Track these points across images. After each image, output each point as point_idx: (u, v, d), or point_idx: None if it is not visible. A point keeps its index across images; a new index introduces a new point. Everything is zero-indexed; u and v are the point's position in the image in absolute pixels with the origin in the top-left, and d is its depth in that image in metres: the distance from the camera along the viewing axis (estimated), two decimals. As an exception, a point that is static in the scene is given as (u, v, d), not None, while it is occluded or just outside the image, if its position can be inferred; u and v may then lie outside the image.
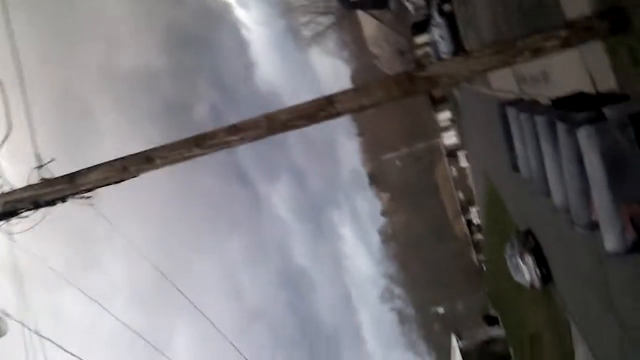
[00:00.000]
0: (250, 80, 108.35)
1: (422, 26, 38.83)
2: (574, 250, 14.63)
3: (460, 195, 53.21)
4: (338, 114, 7.69)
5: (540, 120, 8.37)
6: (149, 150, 7.36)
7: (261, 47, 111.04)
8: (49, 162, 6.95)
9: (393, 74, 7.71)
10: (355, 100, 7.59)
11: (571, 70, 11.15)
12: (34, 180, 6.92)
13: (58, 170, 6.95)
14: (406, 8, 40.57)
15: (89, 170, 7.08)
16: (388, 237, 78.25)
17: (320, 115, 7.63)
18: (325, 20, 58.32)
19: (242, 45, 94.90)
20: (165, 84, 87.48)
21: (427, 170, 62.19)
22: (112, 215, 7.53)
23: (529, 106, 9.99)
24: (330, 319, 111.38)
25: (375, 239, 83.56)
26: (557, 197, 8.46)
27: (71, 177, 7.07)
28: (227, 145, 7.68)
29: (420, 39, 41.74)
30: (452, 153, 52.27)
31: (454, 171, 53.33)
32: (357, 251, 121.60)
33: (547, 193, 8.88)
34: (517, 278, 20.30)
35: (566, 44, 7.35)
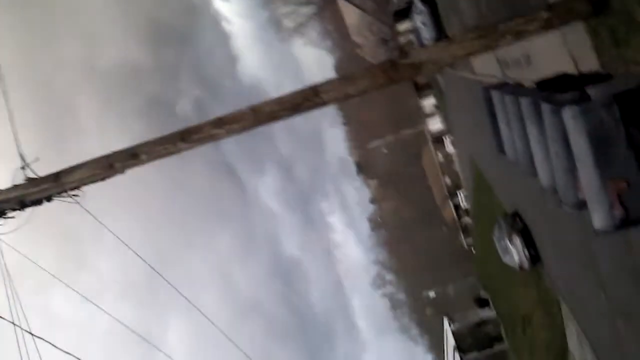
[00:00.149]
0: (234, 73, 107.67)
1: (404, 13, 38.76)
2: (561, 230, 14.79)
3: (447, 180, 53.51)
4: (324, 104, 7.68)
5: (524, 102, 8.41)
6: (134, 146, 7.30)
7: (243, 39, 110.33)
8: (33, 161, 6.88)
9: (377, 62, 7.72)
10: (340, 89, 7.58)
11: (553, 52, 11.21)
12: (19, 180, 6.85)
13: (43, 169, 6.88)
14: (387, -5, 40.51)
15: (74, 168, 7.01)
16: (377, 224, 78.66)
17: (306, 105, 7.61)
18: (307, 10, 58.00)
19: (223, 38, 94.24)
20: (147, 80, 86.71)
21: (413, 156, 62.42)
22: (99, 212, 7.47)
23: (513, 89, 10.04)
24: (323, 307, 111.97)
25: (365, 226, 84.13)
26: (544, 178, 8.52)
27: (56, 176, 7.00)
28: (213, 138, 7.63)
29: (403, 26, 41.67)
30: (437, 139, 52.44)
31: (440, 157, 53.56)
32: (347, 239, 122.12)
33: (534, 174, 8.94)
34: (506, 260, 20.50)
35: (548, 26, 7.38)
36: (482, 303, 34.35)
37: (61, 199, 6.88)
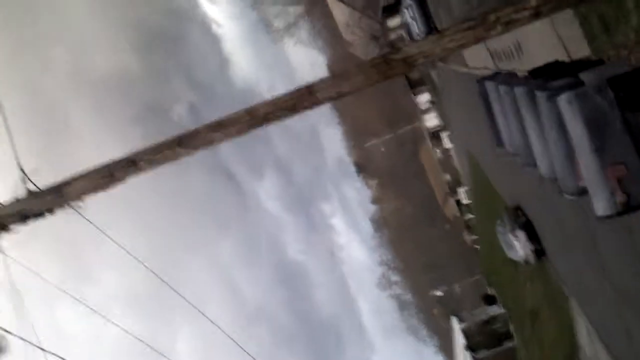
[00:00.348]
0: (226, 76, 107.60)
1: (393, 9, 38.85)
2: (564, 220, 14.75)
3: (447, 176, 53.46)
4: (319, 103, 7.70)
5: (519, 91, 8.43)
6: (133, 153, 7.32)
7: (234, 42, 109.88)
8: (32, 173, 6.90)
9: (369, 59, 7.73)
10: (334, 87, 7.60)
11: (544, 41, 11.27)
12: (20, 193, 6.86)
13: (41, 180, 6.90)
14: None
15: (75, 179, 7.03)
16: (380, 224, 78.56)
17: (302, 105, 7.63)
18: (295, 10, 58.05)
19: (214, 41, 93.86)
20: (140, 86, 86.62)
21: (412, 154, 62.41)
22: (102, 223, 7.49)
23: (506, 79, 10.06)
24: (329, 310, 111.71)
25: (368, 227, 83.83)
26: (543, 167, 8.53)
27: (58, 188, 7.02)
28: (210, 143, 7.65)
29: (393, 22, 41.76)
30: (435, 135, 52.40)
31: (438, 153, 53.52)
32: (351, 241, 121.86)
33: (533, 164, 8.95)
34: (510, 255, 20.45)
35: (537, 14, 7.40)
36: (489, 300, 34.25)
37: (63, 210, 6.90)
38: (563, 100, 6.84)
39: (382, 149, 68.47)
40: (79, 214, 6.92)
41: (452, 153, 48.87)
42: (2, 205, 6.86)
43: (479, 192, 33.03)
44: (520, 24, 7.35)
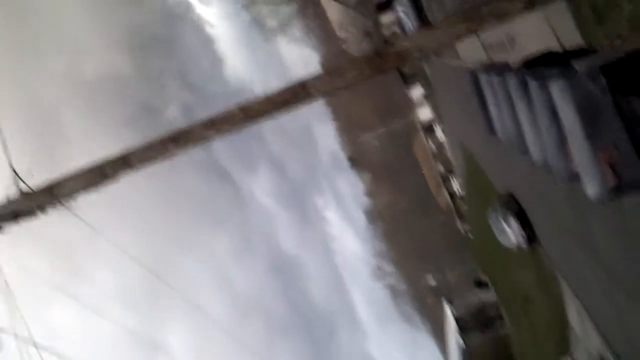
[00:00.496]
0: (221, 76, 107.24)
1: (386, 5, 38.78)
2: (556, 206, 14.88)
3: (441, 168, 53.63)
4: (313, 98, 7.68)
5: (512, 81, 8.45)
6: (126, 152, 7.28)
7: (227, 42, 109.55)
8: (26, 176, 6.85)
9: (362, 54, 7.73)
10: (328, 83, 7.59)
11: (537, 32, 11.27)
12: (12, 194, 6.82)
13: (33, 180, 6.86)
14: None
15: (67, 178, 6.98)
16: (374, 216, 78.80)
17: (295, 101, 7.61)
18: (288, 9, 57.85)
19: (207, 42, 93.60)
20: (134, 88, 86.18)
21: (405, 147, 62.52)
22: (95, 221, 7.45)
23: (499, 70, 10.08)
24: (324, 301, 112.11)
25: (362, 219, 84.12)
26: (535, 154, 8.57)
27: (50, 188, 6.97)
28: (204, 140, 7.62)
29: (386, 18, 41.68)
30: (428, 128, 52.52)
31: (432, 145, 53.65)
32: (345, 233, 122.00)
33: (526, 151, 8.99)
34: (503, 242, 20.60)
35: (530, 5, 7.40)
36: (481, 285, 34.61)
37: (56, 210, 6.87)
38: (555, 87, 6.86)
39: (376, 143, 68.56)
40: (72, 212, 6.89)
41: (446, 145, 48.99)
42: (-5, 206, 6.82)
43: (472, 182, 33.18)
44: (513, 15, 7.35)
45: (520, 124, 8.64)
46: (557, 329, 18.77)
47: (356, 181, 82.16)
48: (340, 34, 52.54)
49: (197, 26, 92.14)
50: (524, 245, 19.15)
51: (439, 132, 50.29)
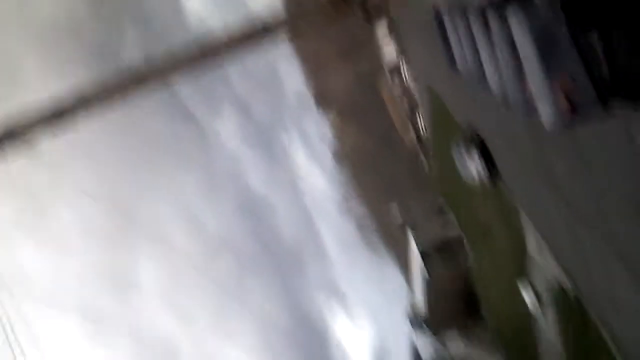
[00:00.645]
0: (180, 17, 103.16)
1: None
2: (517, 140, 15.27)
3: (407, 107, 53.86)
4: (274, 36, 7.60)
5: (472, 14, 8.48)
6: (85, 92, 7.14)
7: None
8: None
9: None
10: (291, 24, 7.50)
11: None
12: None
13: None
14: None
15: (24, 117, 6.84)
16: (340, 154, 79.30)
17: (256, 38, 7.52)
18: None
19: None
20: (89, 29, 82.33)
21: (371, 87, 62.29)
22: (60, 162, 7.36)
23: (461, 6, 10.06)
24: (292, 237, 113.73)
25: (328, 157, 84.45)
26: (495, 88, 8.73)
27: (8, 130, 6.83)
28: (163, 79, 7.52)
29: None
30: (394, 68, 52.25)
31: (397, 85, 53.59)
32: (312, 171, 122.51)
33: (486, 86, 9.14)
34: (465, 176, 21.14)
35: None
36: (443, 213, 36.07)
37: (15, 150, 6.75)
38: (514, 18, 6.93)
39: (342, 84, 67.98)
40: (31, 153, 6.79)
41: (411, 84, 49.01)
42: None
43: (437, 120, 33.58)
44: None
45: (481, 59, 8.73)
46: (517, 258, 19.67)
47: (323, 121, 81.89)
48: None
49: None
50: (485, 178, 19.70)
51: (404, 72, 50.18)
